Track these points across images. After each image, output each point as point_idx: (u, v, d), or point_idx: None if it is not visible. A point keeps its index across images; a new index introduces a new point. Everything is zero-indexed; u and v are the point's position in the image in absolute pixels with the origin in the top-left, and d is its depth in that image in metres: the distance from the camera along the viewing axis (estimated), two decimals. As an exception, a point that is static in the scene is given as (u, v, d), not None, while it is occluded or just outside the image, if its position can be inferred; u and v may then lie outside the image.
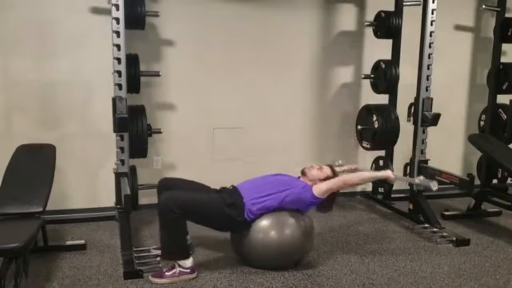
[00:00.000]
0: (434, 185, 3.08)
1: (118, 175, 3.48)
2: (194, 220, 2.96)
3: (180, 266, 2.86)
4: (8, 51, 3.75)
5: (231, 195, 2.99)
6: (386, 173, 3.21)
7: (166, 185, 3.12)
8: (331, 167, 3.26)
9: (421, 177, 3.29)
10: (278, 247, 2.97)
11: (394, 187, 4.46)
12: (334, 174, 3.19)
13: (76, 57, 3.88)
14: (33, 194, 2.99)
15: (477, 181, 4.28)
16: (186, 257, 2.88)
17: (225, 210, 2.91)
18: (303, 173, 3.21)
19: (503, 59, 4.72)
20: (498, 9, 4.62)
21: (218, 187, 3.20)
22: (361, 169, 3.63)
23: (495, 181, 4.71)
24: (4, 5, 3.68)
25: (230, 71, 4.34)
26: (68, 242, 3.36)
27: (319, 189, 3.03)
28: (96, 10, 3.86)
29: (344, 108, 4.72)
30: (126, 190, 3.18)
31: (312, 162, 4.69)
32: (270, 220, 2.97)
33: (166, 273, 2.85)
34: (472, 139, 4.32)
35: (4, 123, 3.81)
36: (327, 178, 3.13)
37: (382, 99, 4.47)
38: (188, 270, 2.87)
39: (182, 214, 2.82)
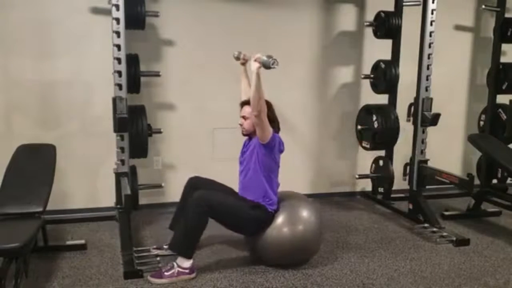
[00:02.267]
0: (273, 63, 2.75)
1: (118, 175, 3.48)
2: (223, 221, 3.01)
3: (179, 266, 2.86)
4: (8, 51, 3.75)
5: (246, 200, 3.04)
6: (253, 66, 2.84)
7: (198, 184, 3.16)
8: (245, 103, 3.11)
9: (266, 55, 2.87)
10: (292, 242, 2.99)
11: (394, 187, 4.46)
12: (250, 104, 3.00)
13: (76, 57, 3.88)
14: (33, 194, 2.99)
15: (476, 181, 4.28)
16: (188, 256, 2.89)
17: (254, 214, 2.96)
18: (246, 135, 3.15)
19: (503, 59, 4.73)
20: (498, 9, 4.63)
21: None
22: (249, 55, 3.24)
23: (495, 181, 4.72)
24: (4, 5, 3.68)
25: (230, 71, 4.32)
26: (68, 242, 3.37)
27: (261, 136, 2.92)
28: (96, 10, 3.86)
29: (344, 108, 4.72)
30: (126, 190, 3.19)
31: (312, 162, 4.75)
32: (284, 217, 3.02)
33: (165, 273, 2.85)
34: (472, 139, 4.32)
35: (4, 123, 3.81)
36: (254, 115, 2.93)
37: (382, 99, 4.47)
38: (186, 271, 2.87)
39: (213, 213, 2.87)
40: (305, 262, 3.13)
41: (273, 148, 2.99)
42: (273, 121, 3.02)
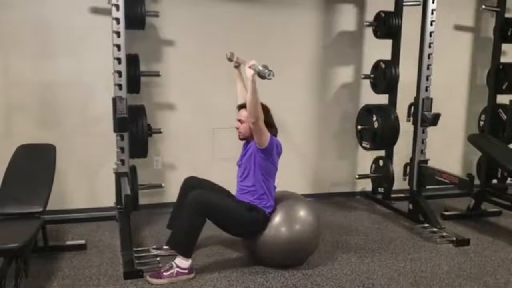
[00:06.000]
0: (269, 74, 2.74)
1: (118, 175, 3.48)
2: (218, 222, 2.99)
3: (177, 266, 2.86)
4: (8, 51, 3.75)
5: (243, 203, 3.03)
6: (249, 73, 2.83)
7: (194, 184, 3.16)
8: (238, 107, 3.12)
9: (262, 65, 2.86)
10: (289, 242, 2.98)
11: (394, 187, 4.46)
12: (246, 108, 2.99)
13: (76, 57, 3.88)
14: (33, 194, 2.99)
15: (477, 181, 4.29)
16: (187, 256, 2.88)
17: (250, 216, 2.96)
18: (243, 139, 3.13)
19: (503, 59, 4.72)
20: (498, 9, 4.62)
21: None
22: (243, 60, 3.25)
23: (495, 181, 4.71)
24: (4, 5, 3.68)
25: (230, 71, 4.32)
26: (68, 242, 3.37)
27: (259, 141, 2.92)
28: (96, 10, 3.86)
29: (344, 108, 4.72)
30: (126, 190, 3.19)
31: (312, 162, 4.74)
32: (281, 216, 3.02)
33: (164, 274, 2.85)
34: (471, 139, 4.32)
35: (4, 123, 3.81)
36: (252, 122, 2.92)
37: (382, 99, 4.47)
38: (185, 271, 2.87)
39: (209, 214, 2.87)
40: (303, 261, 3.13)
41: (271, 152, 2.99)
42: (271, 126, 3.02)
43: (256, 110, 2.83)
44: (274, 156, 3.04)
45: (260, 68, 2.77)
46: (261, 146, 2.94)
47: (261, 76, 2.76)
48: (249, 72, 2.82)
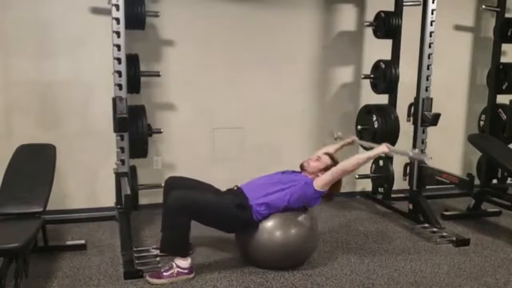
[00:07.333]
0: (427, 158, 3.06)
1: (118, 175, 3.48)
2: (201, 221, 2.96)
3: (177, 266, 2.86)
4: (8, 51, 3.75)
5: (238, 196, 3.00)
6: (382, 148, 3.16)
7: (174, 184, 3.13)
8: (329, 155, 3.25)
9: (416, 150, 3.27)
10: (283, 246, 2.96)
11: (394, 187, 4.46)
12: (333, 161, 3.17)
13: (76, 57, 3.89)
14: (33, 194, 2.98)
15: (477, 181, 4.28)
16: (184, 255, 2.88)
17: (234, 212, 2.92)
18: (302, 167, 3.20)
19: (503, 59, 4.73)
20: (498, 9, 4.63)
21: (218, 187, 3.21)
22: (358, 141, 3.74)
23: (495, 181, 4.72)
24: (3, 5, 3.68)
25: (230, 71, 4.34)
26: (68, 242, 3.37)
27: (320, 183, 3.03)
28: (96, 10, 3.86)
29: (344, 108, 4.72)
30: (126, 190, 3.19)
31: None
32: (276, 219, 2.98)
33: (164, 273, 2.85)
34: (471, 139, 4.33)
35: (4, 123, 3.81)
36: (327, 167, 3.11)
37: (382, 99, 4.47)
38: (186, 271, 2.87)
39: (190, 214, 2.84)
40: (302, 264, 3.12)
41: (315, 197, 3.06)
42: (335, 187, 3.14)
43: (351, 169, 3.09)
44: (306, 201, 3.08)
45: (415, 156, 3.15)
46: (316, 186, 3.02)
47: (420, 160, 3.22)
48: (383, 149, 3.15)
